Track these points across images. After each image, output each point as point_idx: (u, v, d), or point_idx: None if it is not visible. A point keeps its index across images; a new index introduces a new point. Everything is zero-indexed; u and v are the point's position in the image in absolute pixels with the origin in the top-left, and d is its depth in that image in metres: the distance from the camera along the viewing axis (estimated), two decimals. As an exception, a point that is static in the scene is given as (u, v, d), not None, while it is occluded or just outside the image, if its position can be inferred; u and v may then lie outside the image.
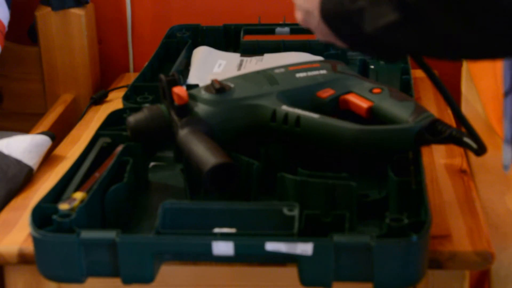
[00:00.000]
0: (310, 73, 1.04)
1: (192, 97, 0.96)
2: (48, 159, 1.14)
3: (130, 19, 1.63)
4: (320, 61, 1.08)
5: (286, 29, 1.44)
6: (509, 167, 0.80)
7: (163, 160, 1.07)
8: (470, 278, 0.90)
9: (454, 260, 0.85)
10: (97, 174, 0.92)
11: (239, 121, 0.96)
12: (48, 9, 1.50)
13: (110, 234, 0.80)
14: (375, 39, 0.68)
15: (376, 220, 0.90)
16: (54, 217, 0.82)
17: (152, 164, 1.06)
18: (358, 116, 0.98)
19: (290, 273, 0.82)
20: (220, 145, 0.89)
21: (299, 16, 0.85)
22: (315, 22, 0.80)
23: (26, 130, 1.39)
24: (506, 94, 0.74)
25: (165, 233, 0.80)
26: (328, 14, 0.74)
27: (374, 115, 0.97)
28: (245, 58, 1.35)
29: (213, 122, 0.94)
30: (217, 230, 0.81)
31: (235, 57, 1.37)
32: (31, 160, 1.07)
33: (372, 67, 1.33)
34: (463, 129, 0.89)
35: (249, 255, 0.80)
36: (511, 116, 0.76)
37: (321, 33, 0.81)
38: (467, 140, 0.88)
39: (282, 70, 1.03)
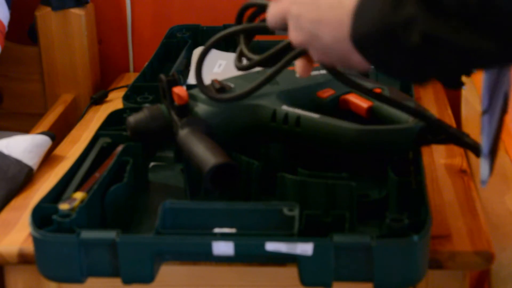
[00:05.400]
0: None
1: (192, 97, 0.96)
2: (48, 159, 1.14)
3: (130, 19, 1.63)
4: (320, 61, 1.08)
5: (286, 29, 1.44)
6: (486, 182, 0.80)
7: (163, 160, 1.07)
8: (470, 278, 0.90)
9: (454, 260, 0.85)
10: (97, 174, 0.92)
11: (239, 121, 0.96)
12: (48, 9, 1.50)
13: (110, 234, 0.80)
14: (419, 54, 0.63)
15: (376, 220, 0.90)
16: (54, 217, 0.82)
17: (152, 164, 1.06)
18: (358, 116, 0.98)
19: (290, 273, 0.82)
20: (220, 145, 0.89)
21: (299, 37, 0.77)
22: (320, 45, 0.74)
23: (26, 130, 1.39)
24: (484, 112, 0.75)
25: (165, 233, 0.80)
26: (362, 35, 0.66)
27: (374, 115, 0.97)
28: (245, 58, 1.35)
29: (213, 122, 0.94)
30: (217, 230, 0.81)
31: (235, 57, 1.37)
32: (31, 160, 1.07)
33: (372, 67, 1.33)
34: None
35: (249, 255, 0.80)
36: (488, 132, 0.76)
37: (329, 56, 0.74)
38: (467, 140, 0.88)
39: (282, 70, 1.03)
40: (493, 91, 0.73)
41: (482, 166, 0.79)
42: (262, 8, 0.92)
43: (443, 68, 0.64)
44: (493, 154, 0.78)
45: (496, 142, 0.78)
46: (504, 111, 0.75)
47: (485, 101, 0.74)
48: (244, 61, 0.94)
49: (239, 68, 0.93)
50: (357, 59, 0.71)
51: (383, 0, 0.63)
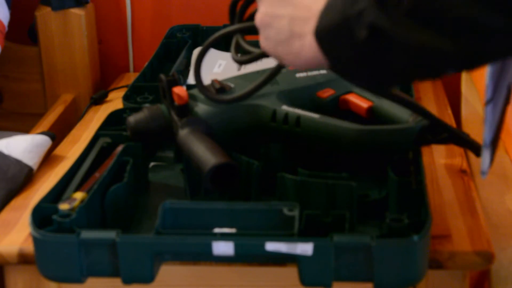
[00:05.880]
0: (310, 73, 1.03)
1: (192, 97, 0.96)
2: (48, 159, 1.14)
3: (130, 19, 1.63)
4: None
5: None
6: (487, 173, 0.80)
7: (163, 160, 1.07)
8: (470, 278, 0.90)
9: (454, 260, 0.85)
10: (97, 174, 0.92)
11: (239, 121, 0.96)
12: (48, 9, 1.50)
13: (110, 234, 0.80)
14: (368, 49, 0.63)
15: (376, 220, 0.90)
16: (54, 217, 0.82)
17: (152, 164, 1.06)
18: (358, 116, 0.98)
19: (290, 273, 0.82)
20: (220, 145, 0.89)
21: (267, 46, 0.79)
22: (287, 49, 0.75)
23: (26, 130, 1.39)
24: (487, 102, 0.75)
25: (165, 233, 0.80)
26: (323, 30, 0.68)
27: (374, 115, 0.97)
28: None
29: (213, 122, 0.94)
30: (217, 230, 0.81)
31: (235, 57, 1.37)
32: (31, 160, 1.07)
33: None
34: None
35: (249, 255, 0.80)
36: (491, 122, 0.76)
37: (297, 58, 0.75)
38: (467, 140, 0.88)
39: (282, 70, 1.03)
40: (497, 81, 0.73)
41: (483, 156, 0.79)
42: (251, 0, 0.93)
43: (393, 67, 0.64)
44: (494, 144, 0.78)
45: (498, 132, 0.77)
46: (507, 101, 0.75)
47: (489, 90, 0.74)
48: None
49: (240, 61, 0.93)
50: (307, 55, 0.72)
51: None
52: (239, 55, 0.94)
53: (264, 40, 0.79)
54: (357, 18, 0.62)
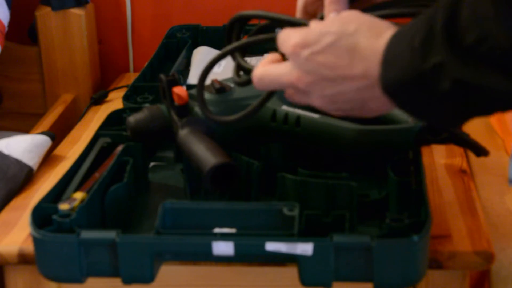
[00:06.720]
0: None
1: (192, 97, 0.96)
2: (48, 159, 1.14)
3: (130, 19, 1.63)
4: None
5: (286, 29, 1.43)
6: None
7: (163, 160, 1.07)
8: (470, 278, 0.90)
9: (454, 260, 0.85)
10: (97, 174, 0.92)
11: (239, 121, 0.96)
12: (48, 9, 1.50)
13: (110, 234, 0.80)
14: (450, 99, 0.64)
15: (376, 220, 0.90)
16: (54, 217, 0.82)
17: (152, 164, 1.06)
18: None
19: (290, 273, 0.82)
20: (220, 145, 0.89)
21: (306, 79, 0.73)
22: (332, 91, 0.73)
23: (26, 130, 1.39)
24: None
25: (165, 233, 0.80)
26: (392, 85, 0.67)
27: (374, 115, 0.97)
28: (245, 58, 1.35)
29: (213, 122, 0.94)
30: (217, 230, 0.81)
31: (235, 57, 1.37)
32: (31, 160, 1.07)
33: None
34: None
35: (249, 255, 0.80)
36: None
37: (338, 103, 0.74)
38: (468, 139, 0.88)
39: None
40: None
41: (510, 165, 0.79)
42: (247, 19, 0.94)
43: (476, 110, 0.65)
44: None
45: None
46: None
47: None
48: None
49: (240, 83, 0.92)
50: (374, 106, 0.72)
51: (411, 48, 0.65)
52: (241, 74, 0.93)
53: (319, 98, 0.75)
54: (434, 71, 0.63)
